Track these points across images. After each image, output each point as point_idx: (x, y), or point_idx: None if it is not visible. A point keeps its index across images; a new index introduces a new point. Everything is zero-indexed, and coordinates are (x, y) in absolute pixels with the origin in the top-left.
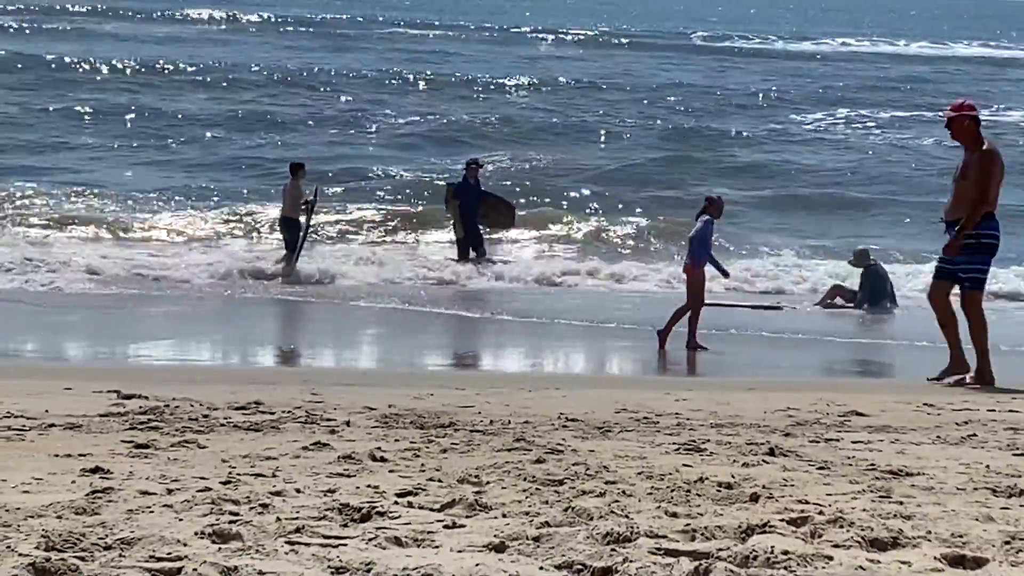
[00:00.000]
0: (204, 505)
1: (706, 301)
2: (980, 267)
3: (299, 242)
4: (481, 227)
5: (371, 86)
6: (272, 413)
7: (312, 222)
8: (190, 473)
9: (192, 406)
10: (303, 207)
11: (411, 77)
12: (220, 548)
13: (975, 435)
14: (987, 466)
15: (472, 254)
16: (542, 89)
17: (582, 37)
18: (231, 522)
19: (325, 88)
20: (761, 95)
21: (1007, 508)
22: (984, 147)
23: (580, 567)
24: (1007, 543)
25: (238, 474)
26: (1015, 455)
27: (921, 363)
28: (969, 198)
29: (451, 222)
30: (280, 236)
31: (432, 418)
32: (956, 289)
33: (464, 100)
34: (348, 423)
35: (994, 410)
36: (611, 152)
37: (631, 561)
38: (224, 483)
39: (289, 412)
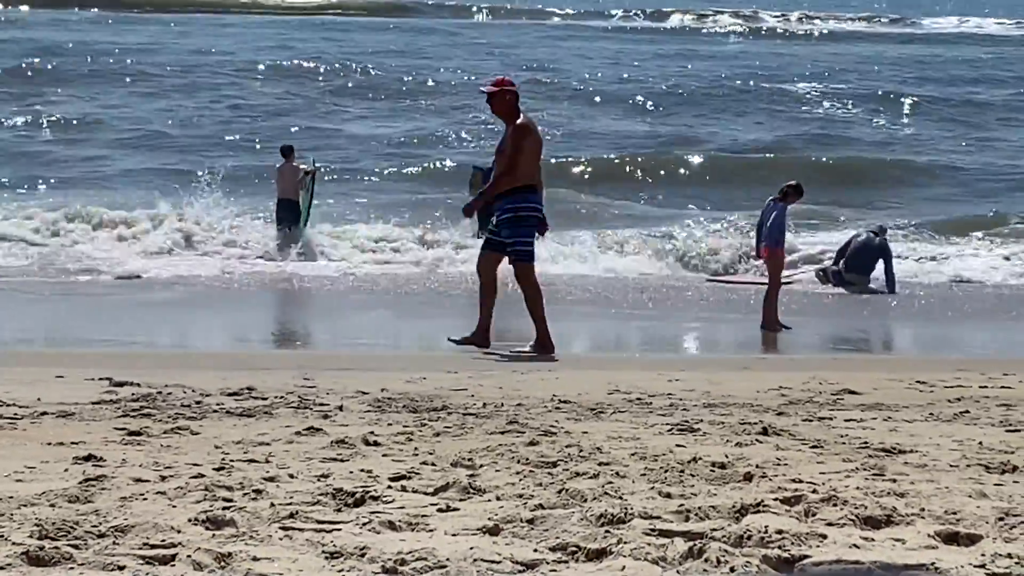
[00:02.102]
0: (197, 492)
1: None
2: (524, 240)
3: (305, 215)
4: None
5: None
6: (265, 399)
7: (315, 190)
8: (183, 460)
9: (184, 392)
10: (302, 181)
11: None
12: (214, 534)
13: (968, 412)
14: (980, 443)
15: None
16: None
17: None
18: (225, 508)
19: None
20: None
21: (1000, 484)
22: (518, 121)
23: (574, 549)
24: (1000, 519)
25: (231, 460)
26: (1008, 431)
27: (913, 340)
28: (516, 172)
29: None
30: (276, 218)
31: (425, 402)
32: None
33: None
34: (341, 408)
35: (986, 386)
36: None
37: (625, 542)
38: (217, 469)
39: (282, 397)
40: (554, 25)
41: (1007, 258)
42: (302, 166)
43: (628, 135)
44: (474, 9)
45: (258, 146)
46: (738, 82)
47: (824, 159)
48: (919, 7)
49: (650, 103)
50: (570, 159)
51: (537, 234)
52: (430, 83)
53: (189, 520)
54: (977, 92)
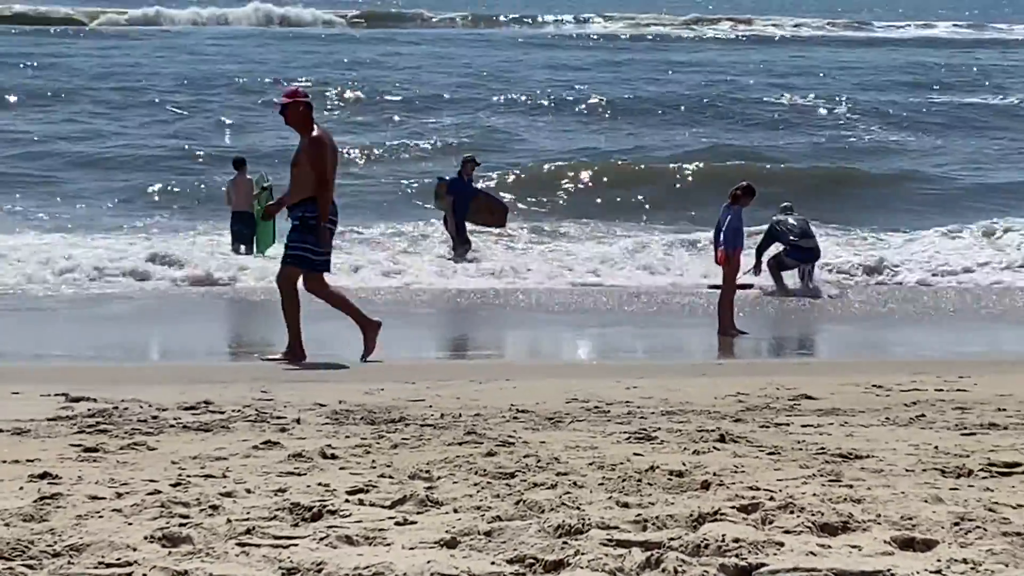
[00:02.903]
0: (154, 508)
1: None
2: (304, 245)
3: (271, 234)
4: (471, 225)
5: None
6: (222, 412)
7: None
8: (139, 476)
9: (141, 407)
10: (257, 196)
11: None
12: (170, 552)
13: (924, 415)
14: (936, 447)
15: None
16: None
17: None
18: (181, 525)
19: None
20: None
21: (956, 489)
22: (313, 133)
23: (532, 561)
24: (956, 524)
25: (188, 476)
26: (963, 435)
27: (868, 343)
28: (308, 183)
29: (443, 217)
30: (231, 231)
31: (383, 413)
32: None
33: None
34: (298, 420)
35: (942, 389)
36: None
37: (583, 553)
38: (174, 485)
39: (239, 411)
40: (501, 34)
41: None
42: (257, 182)
43: (578, 146)
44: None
45: (199, 161)
46: (708, 92)
47: (782, 167)
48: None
49: (598, 112)
50: (514, 169)
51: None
52: (378, 96)
53: (145, 537)
54: (925, 97)
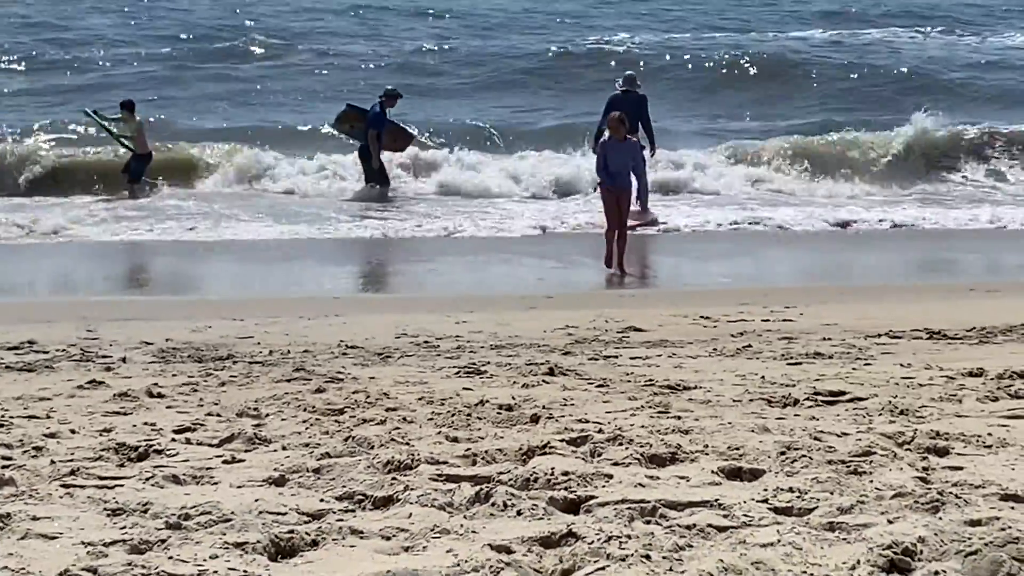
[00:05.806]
0: None
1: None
2: None
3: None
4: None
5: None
6: (46, 352)
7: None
8: None
9: None
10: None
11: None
12: None
13: (750, 346)
14: (762, 377)
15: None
16: None
17: None
18: (4, 467)
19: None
20: None
21: (782, 418)
22: None
23: (362, 497)
24: (782, 453)
25: (11, 417)
26: (789, 364)
27: (699, 273)
28: None
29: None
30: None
31: (210, 351)
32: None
33: None
34: (124, 359)
35: (768, 320)
36: None
37: (412, 489)
38: None
39: (64, 350)
40: None
41: None
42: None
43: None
44: None
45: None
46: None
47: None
48: None
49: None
50: None
51: None
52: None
53: None
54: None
